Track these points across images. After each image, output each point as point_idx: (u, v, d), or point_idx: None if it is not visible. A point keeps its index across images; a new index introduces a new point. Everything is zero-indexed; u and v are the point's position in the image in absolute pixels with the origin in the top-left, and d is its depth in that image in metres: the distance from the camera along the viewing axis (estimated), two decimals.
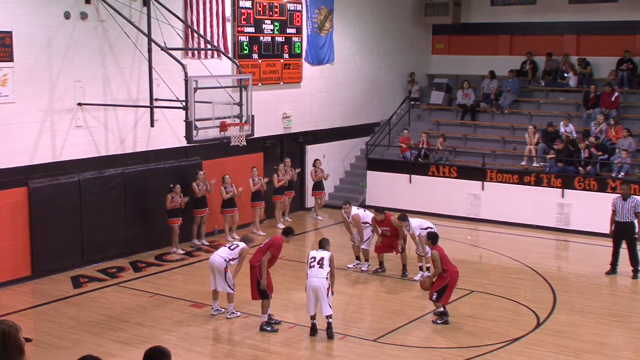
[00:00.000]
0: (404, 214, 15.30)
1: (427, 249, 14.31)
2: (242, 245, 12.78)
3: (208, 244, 17.39)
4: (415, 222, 14.78)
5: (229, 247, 12.83)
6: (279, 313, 12.56)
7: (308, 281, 11.69)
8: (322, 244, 12.14)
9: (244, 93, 15.32)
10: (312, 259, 11.74)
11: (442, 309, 12.48)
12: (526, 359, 11.14)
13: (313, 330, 11.81)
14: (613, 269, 15.43)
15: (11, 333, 4.16)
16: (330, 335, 11.69)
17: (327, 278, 11.59)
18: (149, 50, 15.33)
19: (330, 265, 11.70)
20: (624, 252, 15.32)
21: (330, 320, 11.72)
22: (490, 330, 12.20)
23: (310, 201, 21.14)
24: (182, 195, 16.62)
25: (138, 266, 15.79)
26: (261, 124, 17.29)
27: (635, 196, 15.75)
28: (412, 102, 23.90)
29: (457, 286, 14.20)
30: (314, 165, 20.55)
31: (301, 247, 17.20)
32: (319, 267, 11.61)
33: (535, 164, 20.25)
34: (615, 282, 15.24)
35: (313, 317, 11.80)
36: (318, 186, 20.51)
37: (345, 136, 22.63)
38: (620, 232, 15.27)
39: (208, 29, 17.55)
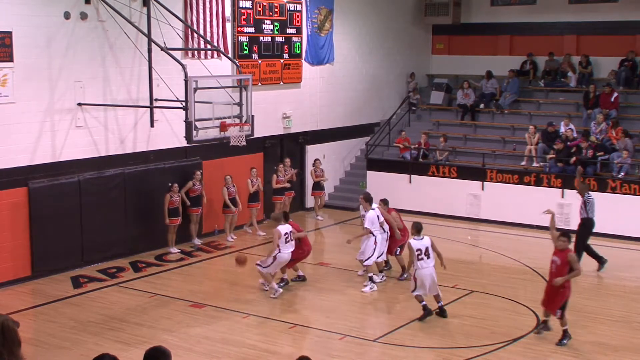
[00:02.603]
0: (368, 194, 15.11)
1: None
2: (288, 228, 13.68)
3: (201, 241, 17.33)
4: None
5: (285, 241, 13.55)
6: (280, 313, 12.57)
7: (420, 271, 12.39)
8: (418, 228, 12.70)
9: (243, 93, 15.31)
10: (419, 251, 12.43)
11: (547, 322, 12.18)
12: (526, 359, 11.15)
13: (427, 310, 12.50)
14: (601, 263, 15.66)
15: (9, 325, 4.28)
16: (444, 314, 12.62)
17: (433, 265, 12.49)
18: (149, 51, 15.33)
19: (434, 250, 12.58)
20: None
21: (440, 302, 12.68)
22: (490, 330, 12.19)
23: (310, 201, 21.14)
24: (180, 194, 16.65)
25: (138, 266, 15.78)
26: (261, 124, 17.28)
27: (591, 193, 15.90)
28: (412, 106, 23.86)
29: (457, 286, 14.29)
30: (313, 165, 20.54)
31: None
32: (427, 258, 12.45)
33: (535, 164, 20.25)
34: (615, 282, 15.23)
35: (423, 300, 12.55)
36: (318, 186, 20.51)
37: (345, 136, 22.62)
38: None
39: (208, 29, 17.54)
